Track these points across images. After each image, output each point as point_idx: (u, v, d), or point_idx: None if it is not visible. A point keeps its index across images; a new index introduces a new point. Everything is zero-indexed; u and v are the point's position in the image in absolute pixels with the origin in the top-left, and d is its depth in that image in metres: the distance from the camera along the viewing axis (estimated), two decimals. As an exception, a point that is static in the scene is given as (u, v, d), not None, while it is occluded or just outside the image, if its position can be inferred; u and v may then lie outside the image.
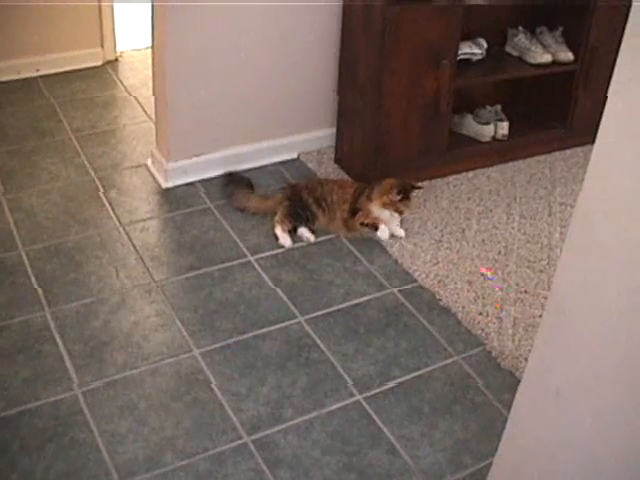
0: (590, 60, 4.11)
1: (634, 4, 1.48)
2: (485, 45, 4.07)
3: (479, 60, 4.05)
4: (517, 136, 4.26)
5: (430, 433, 2.73)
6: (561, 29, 4.16)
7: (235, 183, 3.80)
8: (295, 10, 3.80)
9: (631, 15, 1.50)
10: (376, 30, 3.57)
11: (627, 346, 1.66)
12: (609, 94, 1.56)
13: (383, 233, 3.56)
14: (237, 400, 2.80)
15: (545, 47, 4.13)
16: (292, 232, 3.60)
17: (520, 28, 4.17)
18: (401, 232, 3.61)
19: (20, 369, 2.86)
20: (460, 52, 3.87)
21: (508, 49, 4.24)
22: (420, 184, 3.71)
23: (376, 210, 3.56)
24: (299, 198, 3.63)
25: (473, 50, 4.00)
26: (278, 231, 3.58)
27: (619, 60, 1.53)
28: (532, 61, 4.11)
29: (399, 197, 3.54)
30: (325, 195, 3.63)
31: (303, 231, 3.60)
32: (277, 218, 3.62)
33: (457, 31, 3.71)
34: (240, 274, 3.37)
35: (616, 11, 3.95)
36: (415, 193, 3.64)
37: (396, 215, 3.57)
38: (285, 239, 3.56)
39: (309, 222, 3.61)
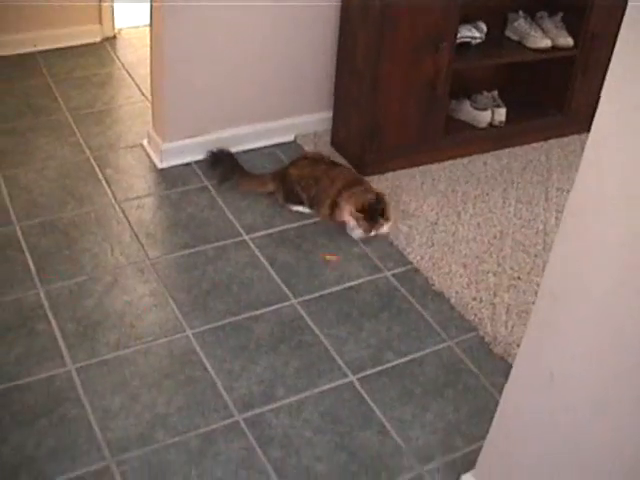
0: (590, 46, 4.09)
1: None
2: (485, 29, 4.05)
3: (478, 44, 4.04)
4: (514, 122, 4.25)
5: (421, 415, 2.74)
6: (561, 14, 4.15)
7: (224, 164, 3.79)
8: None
9: (629, 4, 1.50)
10: (375, 12, 3.55)
11: (618, 331, 1.67)
12: (605, 83, 1.56)
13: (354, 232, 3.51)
14: (229, 379, 2.81)
15: (545, 32, 4.12)
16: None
17: (520, 13, 4.15)
18: (384, 229, 3.51)
19: (13, 346, 2.86)
20: (459, 35, 3.85)
21: (508, 33, 4.22)
22: (388, 217, 3.47)
23: (346, 217, 3.49)
24: (293, 191, 3.64)
25: (473, 34, 3.98)
26: (294, 207, 3.68)
27: (616, 49, 1.53)
28: (532, 46, 4.09)
29: (362, 217, 3.42)
30: (319, 194, 3.59)
31: (298, 208, 3.67)
32: (280, 201, 3.69)
33: (456, 14, 3.69)
34: (234, 253, 3.37)
35: (616, -2, 3.94)
36: (389, 216, 3.47)
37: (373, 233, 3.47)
38: (303, 209, 3.67)
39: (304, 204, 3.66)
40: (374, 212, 3.42)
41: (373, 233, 3.46)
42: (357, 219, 3.43)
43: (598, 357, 1.76)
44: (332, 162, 3.74)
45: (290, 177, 3.65)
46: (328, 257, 3.41)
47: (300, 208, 3.64)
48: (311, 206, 3.63)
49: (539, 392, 1.97)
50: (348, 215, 3.47)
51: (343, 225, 3.54)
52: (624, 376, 1.69)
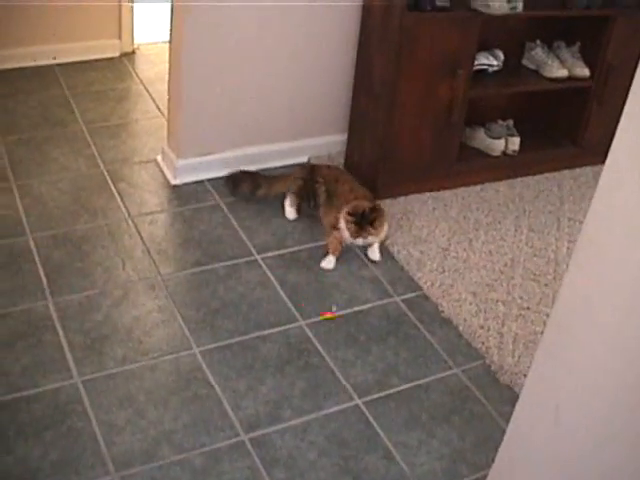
0: (606, 77, 4.10)
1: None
2: (502, 57, 4.07)
3: (495, 71, 4.05)
4: (527, 152, 4.26)
5: (427, 441, 2.73)
6: (579, 45, 4.16)
7: (245, 179, 3.83)
8: (314, 15, 3.80)
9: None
10: (393, 37, 3.56)
11: (627, 366, 1.66)
12: (623, 114, 1.56)
13: (327, 263, 3.48)
14: (235, 398, 2.80)
15: (562, 62, 4.13)
16: (299, 209, 3.76)
17: (538, 42, 4.16)
18: (375, 256, 3.54)
19: (20, 357, 2.87)
20: (477, 62, 3.87)
21: (525, 62, 4.24)
22: (377, 228, 3.48)
23: (341, 222, 3.48)
24: (313, 182, 3.70)
25: (490, 61, 4.00)
26: (287, 203, 3.74)
27: (635, 80, 1.53)
28: (548, 75, 4.10)
29: (352, 220, 3.42)
30: (334, 195, 3.63)
31: (289, 210, 3.75)
32: (289, 191, 3.76)
33: (474, 41, 3.71)
34: (245, 272, 3.38)
35: (635, 30, 3.95)
36: (378, 228, 3.48)
37: (359, 240, 3.48)
38: (290, 213, 3.74)
39: (310, 205, 3.73)
40: (363, 218, 3.42)
41: (360, 241, 3.48)
42: (347, 221, 3.44)
43: (604, 391, 1.75)
44: (354, 180, 3.79)
45: (320, 170, 3.76)
46: (329, 315, 3.27)
47: (287, 204, 3.74)
48: (321, 205, 3.68)
49: (545, 425, 1.97)
50: (341, 216, 3.49)
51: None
52: (631, 410, 1.68)
